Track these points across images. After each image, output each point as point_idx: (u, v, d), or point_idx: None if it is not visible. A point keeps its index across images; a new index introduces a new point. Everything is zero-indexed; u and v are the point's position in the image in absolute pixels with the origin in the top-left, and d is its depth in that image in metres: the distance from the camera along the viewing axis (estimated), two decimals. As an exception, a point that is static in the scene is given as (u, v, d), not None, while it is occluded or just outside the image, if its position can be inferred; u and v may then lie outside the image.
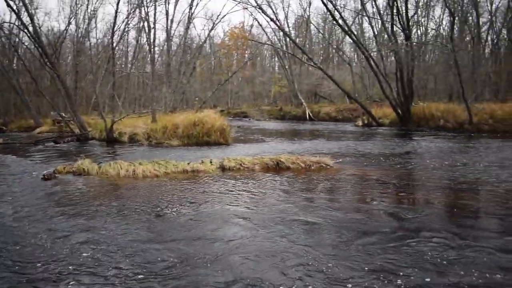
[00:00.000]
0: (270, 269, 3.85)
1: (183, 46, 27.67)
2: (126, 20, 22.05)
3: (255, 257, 4.15)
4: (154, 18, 21.81)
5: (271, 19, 25.67)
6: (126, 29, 21.29)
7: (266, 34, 36.69)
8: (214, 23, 29.28)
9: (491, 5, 34.59)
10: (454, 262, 3.94)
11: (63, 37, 24.84)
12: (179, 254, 4.23)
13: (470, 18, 31.88)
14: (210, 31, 29.46)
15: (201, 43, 32.57)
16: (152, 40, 20.74)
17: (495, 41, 35.40)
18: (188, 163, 9.44)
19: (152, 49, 21.24)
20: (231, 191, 7.29)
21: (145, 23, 20.61)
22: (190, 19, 26.37)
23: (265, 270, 3.83)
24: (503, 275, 3.65)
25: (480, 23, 32.91)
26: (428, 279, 3.58)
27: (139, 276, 3.73)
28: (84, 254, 4.26)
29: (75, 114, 17.32)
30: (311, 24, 40.01)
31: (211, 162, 9.62)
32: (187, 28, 26.95)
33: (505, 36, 35.11)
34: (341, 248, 4.41)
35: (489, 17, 34.28)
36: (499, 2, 34.94)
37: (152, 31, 20.88)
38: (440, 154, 11.88)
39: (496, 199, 6.51)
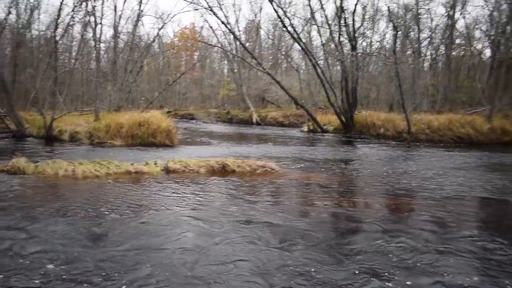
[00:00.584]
0: (211, 272, 3.86)
1: (130, 44, 27.06)
2: (72, 13, 21.26)
3: (198, 260, 4.14)
4: (102, 13, 21.17)
5: (222, 22, 25.66)
6: (71, 22, 20.46)
7: (216, 37, 36.67)
8: (164, 22, 28.85)
9: (431, 21, 36.45)
10: (379, 257, 4.14)
11: (2, 27, 23.58)
12: (118, 260, 4.12)
13: (412, 33, 33.44)
14: (159, 30, 28.91)
15: (149, 41, 31.99)
16: (98, 36, 20.16)
17: (434, 56, 37.32)
18: (132, 164, 9.25)
19: (97, 45, 20.64)
20: (176, 193, 7.23)
21: (92, 18, 20.00)
22: (139, 16, 25.83)
23: (207, 274, 3.83)
24: (421, 267, 3.87)
25: (421, 38, 34.63)
26: (348, 271, 3.74)
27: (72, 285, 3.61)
28: (7, 261, 3.99)
29: (11, 109, 16.47)
30: (261, 30, 40.49)
31: (155, 163, 9.48)
32: (135, 26, 26.36)
33: (443, 52, 37.10)
34: (280, 247, 4.49)
35: (429, 33, 36.11)
36: (439, 20, 36.85)
37: (99, 26, 20.33)
38: (380, 161, 12.38)
39: (431, 204, 6.86)
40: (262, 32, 41.08)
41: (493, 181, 9.11)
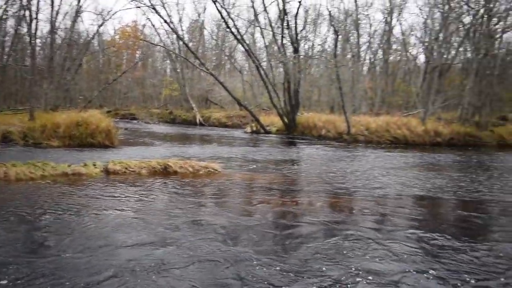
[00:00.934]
0: (160, 272, 3.79)
1: (68, 41, 26.01)
2: (5, 6, 20.13)
3: (140, 262, 4.05)
4: (37, 7, 20.18)
5: (165, 21, 25.29)
6: (4, 16, 19.38)
7: (159, 36, 35.98)
8: (104, 19, 27.93)
9: (370, 27, 37.86)
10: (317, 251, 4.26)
11: None
12: (57, 265, 3.95)
13: (352, 37, 34.54)
14: (99, 27, 27.93)
15: (89, 39, 30.90)
16: (33, 31, 19.19)
17: (372, 60, 38.79)
18: (69, 166, 8.89)
19: (33, 41, 19.65)
20: (117, 196, 7.03)
21: (27, 12, 19.02)
22: (78, 12, 24.91)
23: (157, 274, 3.76)
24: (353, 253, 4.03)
25: (360, 43, 35.85)
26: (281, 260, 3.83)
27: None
28: None
29: None
30: (205, 30, 40.24)
31: (94, 165, 9.16)
32: (74, 22, 25.39)
33: (381, 57, 38.64)
34: (223, 247, 4.50)
35: (368, 38, 37.50)
36: (377, 25, 38.33)
37: (34, 21, 19.34)
38: (321, 161, 12.71)
39: (369, 202, 7.12)
40: (205, 32, 40.89)
41: (427, 180, 9.59)
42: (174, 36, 32.26)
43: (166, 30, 34.25)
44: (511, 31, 29.90)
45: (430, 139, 19.33)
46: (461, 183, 9.39)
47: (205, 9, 39.19)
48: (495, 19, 23.69)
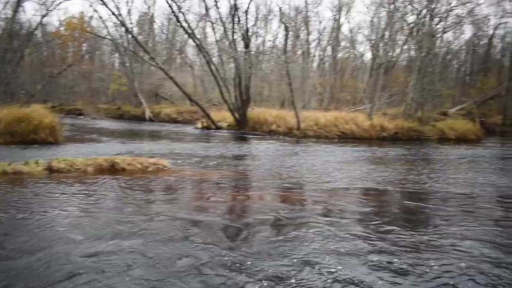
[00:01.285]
0: (115, 270, 3.72)
1: (9, 31, 24.76)
2: None
3: (85, 263, 3.96)
4: (-26, -4, 19.10)
5: (113, 13, 24.58)
6: None
7: (107, 28, 34.90)
8: (48, 9, 26.76)
9: (320, 24, 38.54)
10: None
11: None
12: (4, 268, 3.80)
13: (302, 34, 35.01)
14: (43, 17, 26.74)
15: (31, 29, 29.54)
16: (-31, 22, 18.14)
17: (322, 56, 39.54)
18: (9, 164, 8.50)
19: (-32, 32, 18.59)
20: (60, 195, 6.80)
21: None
22: (19, 1, 23.74)
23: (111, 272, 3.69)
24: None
25: (310, 39, 36.43)
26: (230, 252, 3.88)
27: None
28: None
29: None
30: (155, 23, 39.44)
31: (36, 163, 8.81)
32: (15, 11, 24.19)
33: (330, 53, 39.45)
34: (174, 244, 4.48)
35: (318, 35, 38.16)
36: (326, 23, 39.07)
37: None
38: (272, 156, 12.85)
39: (318, 195, 7.31)
40: (155, 26, 40.09)
41: (374, 173, 9.93)
42: (123, 29, 31.45)
43: (114, 23, 33.35)
44: (451, 31, 31.37)
45: (376, 133, 19.98)
46: (406, 176, 9.81)
47: (155, 1, 38.45)
48: (436, 19, 24.71)
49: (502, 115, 30.99)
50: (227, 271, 3.93)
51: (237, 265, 4.07)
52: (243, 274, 3.86)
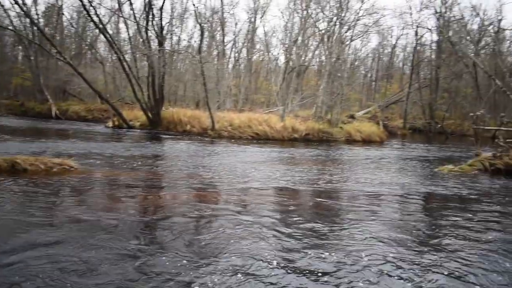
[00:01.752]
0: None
1: None
2: None
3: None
4: None
5: (16, 2, 22.82)
6: None
7: (9, 18, 32.42)
8: None
9: (236, 26, 38.91)
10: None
11: None
12: None
13: (217, 35, 35.17)
14: None
15: None
16: None
17: (237, 58, 39.95)
18: None
19: None
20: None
21: None
22: None
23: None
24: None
25: (225, 41, 36.67)
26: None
27: None
28: None
29: None
30: (64, 16, 37.31)
31: None
32: None
33: (245, 55, 39.96)
34: (80, 245, 4.31)
35: (233, 36, 38.50)
36: (242, 25, 39.51)
37: None
38: (186, 156, 12.74)
39: (232, 194, 7.38)
40: (64, 19, 37.93)
41: (286, 173, 10.23)
42: (28, 20, 29.40)
43: (17, 13, 31.06)
44: (359, 39, 33.20)
45: (288, 134, 20.62)
46: (315, 175, 10.25)
47: (62, -7, 36.10)
48: (345, 27, 26.05)
49: (403, 119, 33.44)
50: (129, 272, 3.86)
51: (136, 263, 4.03)
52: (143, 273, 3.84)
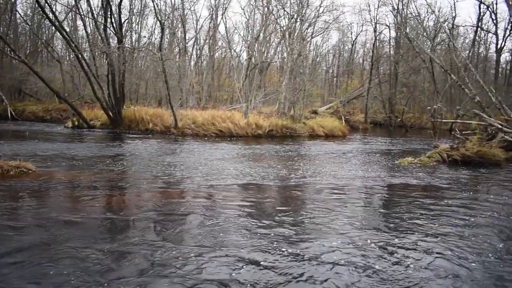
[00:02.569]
0: None
1: None
2: None
3: None
4: None
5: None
6: None
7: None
8: None
9: (197, 23, 38.61)
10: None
11: None
12: None
13: (179, 32, 34.76)
14: None
15: None
16: None
17: (199, 55, 39.64)
18: None
19: None
20: None
21: None
22: None
23: None
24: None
25: (187, 38, 36.31)
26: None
27: None
28: None
29: None
30: (17, 12, 35.93)
31: None
32: None
33: (207, 52, 39.74)
34: (45, 252, 4.18)
35: (195, 33, 38.18)
36: (203, 21, 39.25)
37: None
38: (149, 155, 12.55)
39: (197, 192, 7.33)
40: (18, 16, 36.54)
41: (251, 169, 10.25)
42: (-23, 17, 28.19)
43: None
44: (320, 35, 33.58)
45: (252, 131, 20.66)
46: (280, 170, 10.32)
47: (16, -11, 34.61)
48: (306, 24, 26.29)
49: (364, 113, 34.11)
50: (90, 274, 3.78)
51: (96, 267, 3.95)
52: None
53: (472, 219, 6.26)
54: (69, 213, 5.96)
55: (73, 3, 25.58)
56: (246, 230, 5.32)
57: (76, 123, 22.10)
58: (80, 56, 21.09)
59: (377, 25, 35.86)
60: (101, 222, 5.59)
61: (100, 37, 23.16)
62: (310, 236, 5.22)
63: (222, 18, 38.42)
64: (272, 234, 5.16)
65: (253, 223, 5.64)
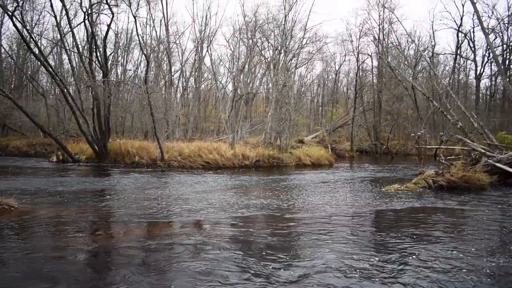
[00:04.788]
0: None
1: None
2: None
3: None
4: None
5: None
6: None
7: None
8: None
9: (182, 55, 39.00)
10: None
11: None
12: None
13: (165, 65, 35.05)
14: None
15: None
16: None
17: (185, 87, 39.88)
18: None
19: None
20: None
21: None
22: None
23: None
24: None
25: (173, 70, 36.60)
26: None
27: None
28: None
29: None
30: (1, 47, 35.92)
31: None
32: None
33: (193, 84, 40.03)
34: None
35: (180, 66, 38.53)
36: (189, 54, 39.64)
37: None
38: (136, 189, 12.38)
39: (184, 227, 7.22)
40: (2, 50, 36.49)
41: (238, 201, 10.16)
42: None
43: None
44: (304, 66, 34.14)
45: (239, 162, 20.62)
46: (268, 201, 10.26)
47: (1, 23, 34.64)
48: (290, 55, 26.72)
49: (350, 141, 34.37)
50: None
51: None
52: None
53: (457, 244, 6.36)
54: (50, 252, 5.82)
55: (58, 37, 25.66)
56: (235, 265, 5.23)
57: (60, 157, 21.85)
58: (65, 90, 21.04)
59: (360, 54, 36.61)
60: (84, 261, 5.45)
61: (85, 71, 23.20)
62: (299, 268, 5.15)
63: (207, 50, 38.81)
64: (261, 266, 5.08)
65: (242, 256, 5.55)
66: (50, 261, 5.33)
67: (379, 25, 35.61)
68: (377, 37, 35.77)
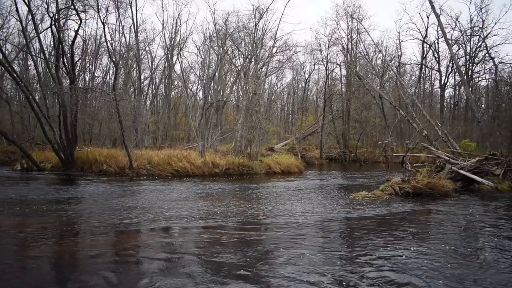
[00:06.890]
0: None
1: None
2: None
3: None
4: None
5: None
6: None
7: None
8: None
9: (152, 62, 38.72)
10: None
11: None
12: None
13: (134, 72, 34.70)
14: None
15: None
16: None
17: (155, 94, 39.57)
18: None
19: None
20: None
21: None
22: None
23: None
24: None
25: (142, 77, 36.23)
26: None
27: None
28: None
29: None
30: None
31: None
32: None
33: (163, 91, 39.75)
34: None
35: (150, 73, 38.22)
36: (159, 61, 39.35)
37: None
38: (101, 198, 12.13)
39: (152, 235, 7.13)
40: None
41: (207, 209, 10.11)
42: None
43: None
44: (274, 74, 34.42)
45: (209, 170, 20.55)
46: (238, 209, 10.27)
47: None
48: (260, 64, 26.89)
49: (319, 149, 34.77)
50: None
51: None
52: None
53: (418, 247, 6.58)
54: (13, 262, 5.66)
55: (24, 42, 25.07)
56: (201, 273, 5.21)
57: (25, 165, 21.27)
58: (30, 96, 20.54)
59: (329, 64, 37.20)
60: (48, 272, 5.32)
61: (52, 77, 22.72)
62: (268, 273, 5.17)
63: (177, 57, 38.64)
64: (229, 273, 5.07)
65: (208, 264, 5.54)
66: (13, 273, 5.17)
67: (347, 35, 36.35)
68: (345, 47, 36.47)
